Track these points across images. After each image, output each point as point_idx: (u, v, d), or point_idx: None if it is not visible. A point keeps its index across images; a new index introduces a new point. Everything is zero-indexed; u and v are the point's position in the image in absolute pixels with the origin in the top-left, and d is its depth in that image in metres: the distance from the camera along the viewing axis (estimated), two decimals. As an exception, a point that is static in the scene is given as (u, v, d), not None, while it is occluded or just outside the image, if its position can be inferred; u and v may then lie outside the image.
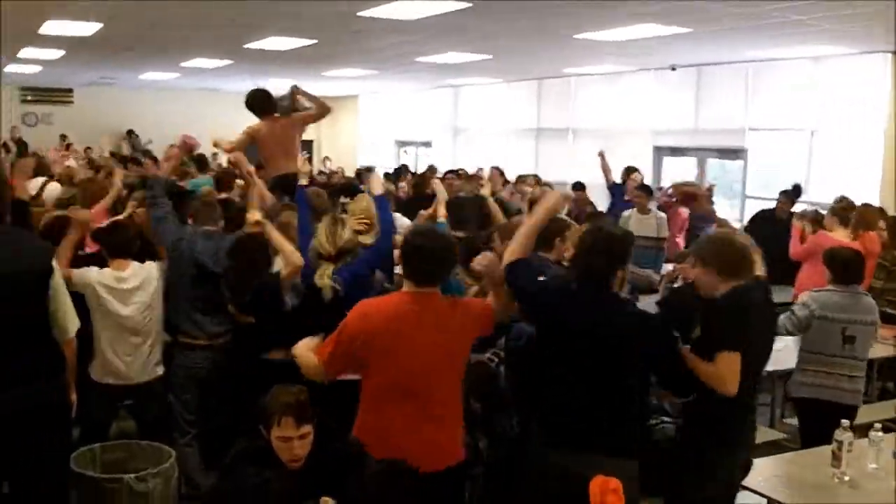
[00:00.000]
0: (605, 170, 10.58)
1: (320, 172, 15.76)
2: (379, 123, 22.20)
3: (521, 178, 12.31)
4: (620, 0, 7.92)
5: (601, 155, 10.59)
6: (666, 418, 4.46)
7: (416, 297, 3.63)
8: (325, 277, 4.74)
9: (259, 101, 7.56)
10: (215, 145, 7.70)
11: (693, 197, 10.46)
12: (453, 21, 9.06)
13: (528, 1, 8.05)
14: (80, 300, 4.73)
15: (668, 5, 8.03)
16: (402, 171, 14.29)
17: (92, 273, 4.90)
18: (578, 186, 11.54)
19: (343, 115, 22.71)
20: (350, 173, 15.83)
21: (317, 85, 8.27)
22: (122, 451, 4.83)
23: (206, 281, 5.19)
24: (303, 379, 3.73)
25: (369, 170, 15.27)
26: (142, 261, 5.15)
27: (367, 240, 5.22)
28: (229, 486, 3.37)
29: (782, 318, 5.40)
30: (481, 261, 3.81)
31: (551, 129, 16.54)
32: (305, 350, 3.74)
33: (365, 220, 5.31)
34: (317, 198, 6.03)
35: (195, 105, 21.41)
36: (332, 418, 3.61)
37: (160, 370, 5.19)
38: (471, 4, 8.14)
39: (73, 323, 3.90)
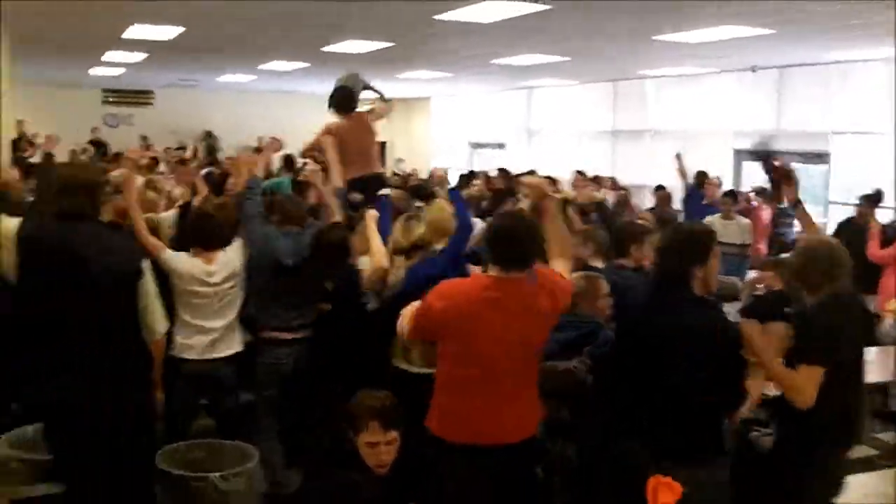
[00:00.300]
0: (682, 172, 10.43)
1: (394, 174, 15.83)
2: (452, 125, 22.21)
3: (598, 179, 12.24)
4: (702, 1, 7.81)
5: (678, 157, 10.44)
6: (762, 429, 4.37)
7: (499, 281, 3.61)
8: (399, 270, 4.84)
9: (346, 101, 7.53)
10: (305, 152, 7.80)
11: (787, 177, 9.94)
12: (531, 23, 9.02)
13: (608, 2, 7.99)
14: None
15: (750, 6, 7.89)
16: (474, 174, 14.30)
17: (182, 262, 4.99)
18: (660, 189, 11.41)
19: (416, 116, 22.82)
20: (424, 175, 15.87)
21: (390, 87, 8.29)
22: (205, 449, 4.91)
23: (285, 277, 5.25)
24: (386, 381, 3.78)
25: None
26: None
27: (439, 245, 5.26)
28: (316, 490, 3.38)
29: (888, 325, 5.26)
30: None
31: (628, 130, 16.37)
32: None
33: (439, 231, 5.33)
34: (399, 200, 6.06)
35: (271, 107, 21.69)
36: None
37: (236, 348, 5.23)
38: (550, 7, 8.10)
39: (161, 324, 3.98)
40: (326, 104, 7.55)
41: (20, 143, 13.92)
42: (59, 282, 3.65)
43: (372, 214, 5.27)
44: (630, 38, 10.39)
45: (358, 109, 7.50)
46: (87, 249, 3.65)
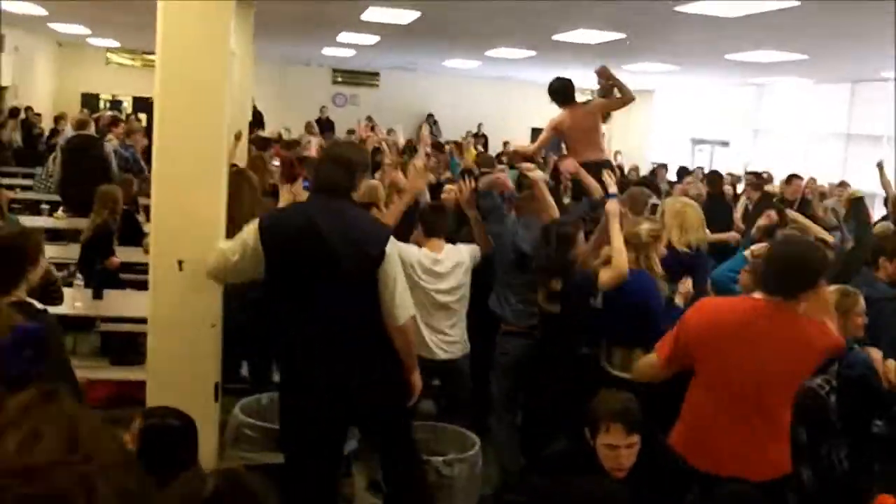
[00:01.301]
0: (885, 184, 9.73)
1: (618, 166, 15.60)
2: (674, 119, 21.67)
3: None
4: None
5: (879, 166, 9.76)
6: None
7: (763, 305, 3.46)
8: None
9: (563, 91, 7.49)
10: (517, 155, 7.82)
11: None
12: (775, 19, 8.65)
13: (859, 1, 7.54)
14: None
15: None
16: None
17: (412, 251, 5.06)
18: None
19: (636, 108, 22.33)
20: (643, 171, 15.56)
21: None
22: (428, 431, 4.98)
23: (525, 268, 5.25)
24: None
25: (664, 167, 14.96)
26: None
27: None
28: (548, 488, 3.34)
29: None
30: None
31: (863, 135, 15.43)
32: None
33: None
34: (637, 196, 5.91)
35: (493, 93, 21.92)
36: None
37: (464, 349, 5.27)
38: (798, 3, 7.73)
39: (403, 310, 3.83)
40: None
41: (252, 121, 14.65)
42: (300, 255, 3.73)
43: (614, 210, 4.85)
44: (877, 38, 9.77)
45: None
46: (330, 225, 3.71)
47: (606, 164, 7.09)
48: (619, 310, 4.59)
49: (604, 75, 7.56)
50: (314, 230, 3.70)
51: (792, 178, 10.00)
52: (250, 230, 3.83)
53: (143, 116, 20.84)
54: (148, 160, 11.45)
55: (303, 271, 3.74)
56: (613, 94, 7.60)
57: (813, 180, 10.98)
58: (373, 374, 3.80)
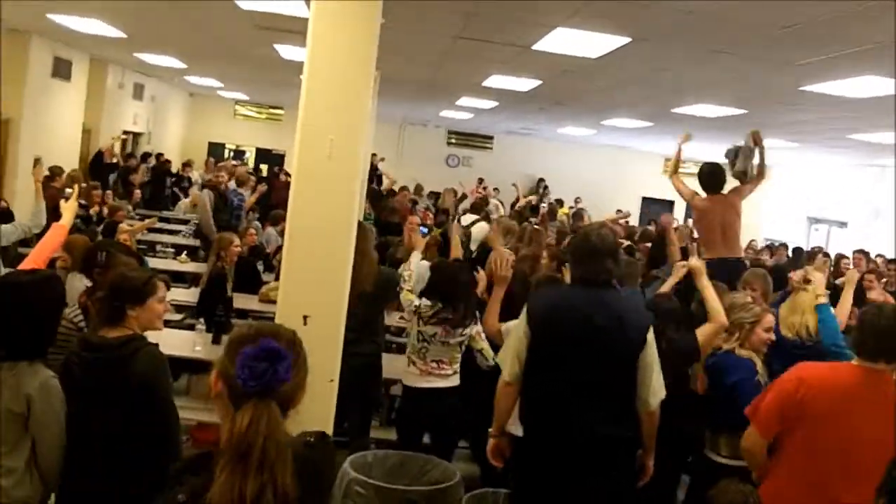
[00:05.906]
0: None
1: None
2: (788, 197, 21.23)
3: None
4: None
5: None
6: None
7: (863, 372, 3.48)
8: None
9: (707, 178, 7.39)
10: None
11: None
12: (902, 101, 8.49)
13: None
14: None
15: None
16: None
17: None
18: None
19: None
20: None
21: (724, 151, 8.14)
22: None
23: None
24: None
25: (784, 246, 14.65)
26: None
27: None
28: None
29: None
30: None
31: None
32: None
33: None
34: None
35: (602, 161, 21.98)
36: None
37: None
38: (929, 87, 7.60)
39: (657, 397, 3.91)
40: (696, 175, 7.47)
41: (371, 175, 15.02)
42: (570, 343, 3.84)
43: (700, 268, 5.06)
44: None
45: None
46: (603, 316, 3.81)
47: (739, 265, 6.91)
48: (720, 395, 4.58)
49: (757, 140, 7.40)
50: (589, 323, 3.80)
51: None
52: (520, 320, 4.01)
53: (264, 167, 21.52)
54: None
55: (568, 355, 3.84)
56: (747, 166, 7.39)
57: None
58: (613, 467, 3.86)
